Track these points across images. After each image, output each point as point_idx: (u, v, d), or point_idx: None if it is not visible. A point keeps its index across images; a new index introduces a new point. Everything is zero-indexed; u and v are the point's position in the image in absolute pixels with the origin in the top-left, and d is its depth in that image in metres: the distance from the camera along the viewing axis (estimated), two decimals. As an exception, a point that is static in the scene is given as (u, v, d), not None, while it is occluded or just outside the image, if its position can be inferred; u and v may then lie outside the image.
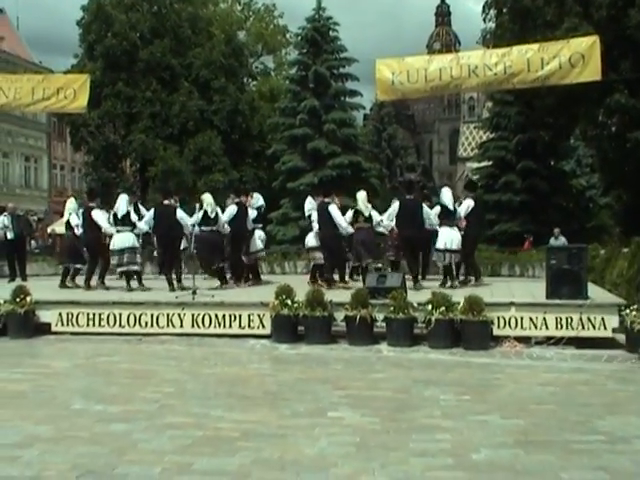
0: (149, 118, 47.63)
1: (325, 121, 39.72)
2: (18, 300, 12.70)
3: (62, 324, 12.85)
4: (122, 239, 15.20)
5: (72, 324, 12.82)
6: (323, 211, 15.08)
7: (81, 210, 16.52)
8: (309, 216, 16.39)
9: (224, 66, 49.56)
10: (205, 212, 15.22)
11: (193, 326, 12.50)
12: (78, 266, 16.50)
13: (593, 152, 41.49)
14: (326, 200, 15.29)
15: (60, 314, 12.87)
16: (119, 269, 15.51)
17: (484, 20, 35.64)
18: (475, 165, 49.56)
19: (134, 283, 15.26)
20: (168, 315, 12.58)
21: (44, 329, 12.88)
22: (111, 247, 15.32)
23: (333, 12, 42.38)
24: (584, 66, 14.41)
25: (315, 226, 15.52)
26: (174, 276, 15.05)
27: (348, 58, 42.03)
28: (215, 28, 53.00)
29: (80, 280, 16.24)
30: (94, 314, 12.78)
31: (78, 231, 16.11)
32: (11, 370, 9.90)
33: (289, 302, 11.95)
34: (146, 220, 15.39)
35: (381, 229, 15.71)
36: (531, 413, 7.39)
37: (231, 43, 51.59)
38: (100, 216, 15.55)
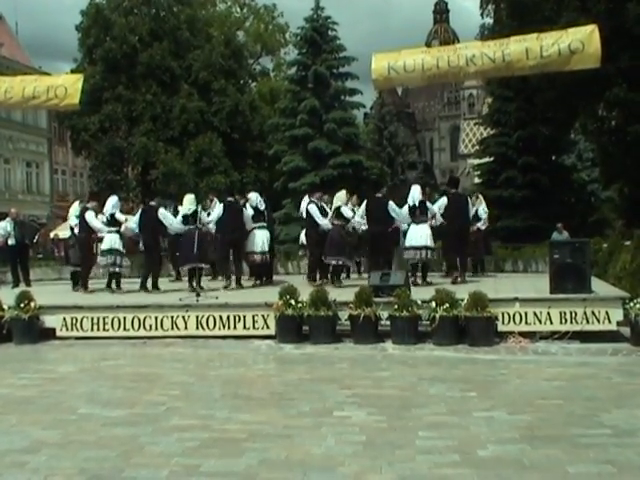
0: (150, 121, 47.67)
1: (325, 121, 39.71)
2: (22, 306, 12.68)
3: (66, 329, 12.83)
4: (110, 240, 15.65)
5: (76, 329, 12.81)
6: (379, 206, 15.24)
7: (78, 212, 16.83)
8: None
9: (223, 67, 49.58)
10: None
11: (197, 328, 12.48)
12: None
13: (594, 146, 41.45)
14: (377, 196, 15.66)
15: (64, 319, 12.85)
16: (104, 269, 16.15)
17: (482, 15, 35.69)
18: (476, 161, 49.44)
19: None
20: (172, 318, 12.57)
21: (49, 334, 12.87)
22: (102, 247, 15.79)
23: (327, 10, 42.29)
24: (584, 53, 14.31)
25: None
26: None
27: (347, 57, 41.99)
28: (214, 30, 53.02)
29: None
30: (98, 318, 12.76)
31: (71, 232, 16.53)
32: (17, 376, 9.89)
33: (293, 302, 11.95)
34: (134, 221, 15.91)
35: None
36: (537, 408, 7.40)
37: (230, 44, 51.63)
38: (92, 217, 15.85)
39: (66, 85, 17.29)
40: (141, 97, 47.73)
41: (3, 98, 17.36)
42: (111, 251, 15.57)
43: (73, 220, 16.87)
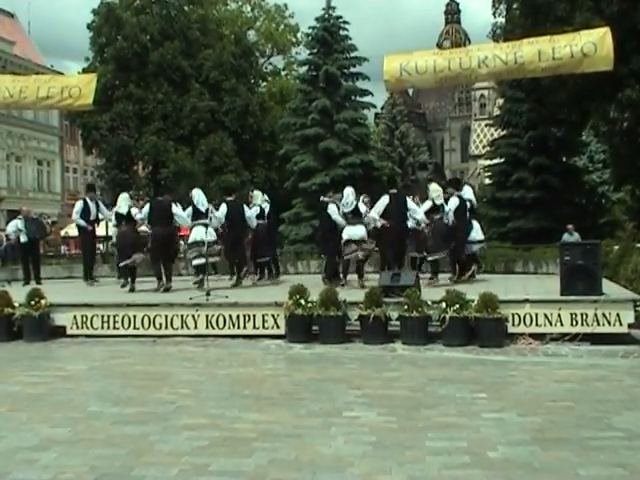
0: (160, 120, 47.71)
1: (336, 120, 39.73)
2: (33, 303, 12.71)
3: (77, 327, 12.86)
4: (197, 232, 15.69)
5: (87, 327, 12.83)
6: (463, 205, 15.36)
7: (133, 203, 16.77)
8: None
9: (234, 67, 49.60)
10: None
11: (207, 327, 12.50)
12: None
13: (605, 148, 41.33)
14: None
15: (75, 317, 12.88)
16: (195, 261, 15.81)
17: (494, 14, 35.53)
18: (487, 162, 49.38)
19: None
20: (182, 316, 12.58)
21: (59, 332, 12.89)
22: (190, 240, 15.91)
23: (338, 10, 42.28)
24: (596, 55, 14.28)
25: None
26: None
27: (358, 57, 42.04)
28: (225, 29, 53.07)
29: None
30: (108, 316, 12.79)
31: (144, 225, 16.12)
32: (27, 373, 9.92)
33: (303, 302, 11.94)
34: (220, 215, 15.86)
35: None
36: (547, 410, 7.37)
37: (241, 44, 51.67)
38: (180, 210, 15.89)
39: (80, 85, 17.38)
40: (152, 96, 47.75)
41: (18, 98, 17.45)
42: (200, 243, 15.33)
43: (135, 212, 16.03)
